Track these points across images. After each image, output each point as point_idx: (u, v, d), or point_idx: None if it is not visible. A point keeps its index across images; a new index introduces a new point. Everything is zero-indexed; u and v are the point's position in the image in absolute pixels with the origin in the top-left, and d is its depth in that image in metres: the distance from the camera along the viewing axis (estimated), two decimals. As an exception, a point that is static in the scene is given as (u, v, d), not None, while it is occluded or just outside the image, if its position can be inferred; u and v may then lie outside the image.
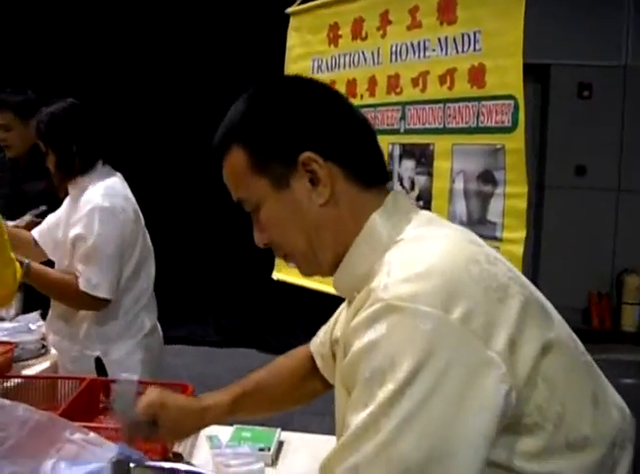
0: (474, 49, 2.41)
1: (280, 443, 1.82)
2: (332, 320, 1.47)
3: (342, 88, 2.91)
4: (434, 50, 2.59)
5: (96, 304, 2.36)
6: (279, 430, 1.85)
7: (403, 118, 2.78)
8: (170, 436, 1.52)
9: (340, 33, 3.12)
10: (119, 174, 2.53)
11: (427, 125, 2.65)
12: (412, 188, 2.70)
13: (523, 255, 2.27)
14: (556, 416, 0.99)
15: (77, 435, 1.41)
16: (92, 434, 1.42)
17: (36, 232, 2.62)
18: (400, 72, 2.78)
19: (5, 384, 2.06)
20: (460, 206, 2.46)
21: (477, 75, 2.40)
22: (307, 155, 1.08)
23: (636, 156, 4.08)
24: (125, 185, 2.52)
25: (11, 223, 2.99)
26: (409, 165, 2.74)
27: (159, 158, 5.66)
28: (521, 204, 2.26)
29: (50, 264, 2.55)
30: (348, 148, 1.11)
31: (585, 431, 1.01)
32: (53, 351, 2.57)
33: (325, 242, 1.11)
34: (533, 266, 4.19)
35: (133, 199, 2.51)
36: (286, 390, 1.56)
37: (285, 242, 1.13)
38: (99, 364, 2.40)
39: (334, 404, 1.20)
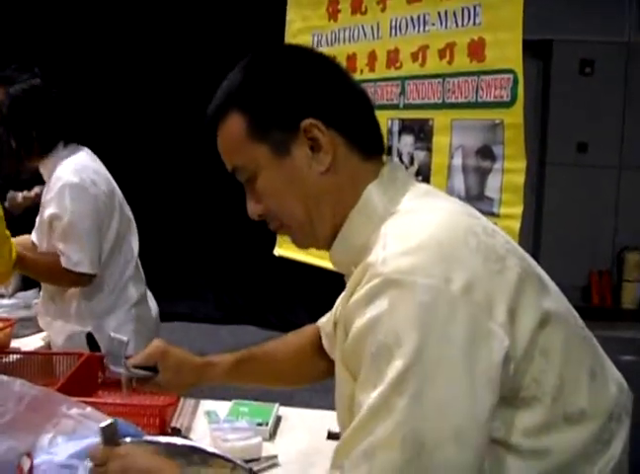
0: (474, 23, 2.38)
1: (279, 418, 1.83)
2: (339, 300, 1.46)
3: (342, 63, 2.87)
4: (433, 24, 2.56)
5: (81, 280, 2.37)
6: (277, 405, 1.85)
7: (402, 93, 2.75)
8: (167, 386, 1.49)
9: (339, 7, 3.08)
10: (86, 148, 2.51)
11: (426, 100, 2.63)
12: (411, 163, 2.69)
13: (521, 231, 2.27)
14: (554, 389, 0.99)
15: (74, 410, 1.40)
16: (89, 409, 1.41)
17: (33, 234, 2.61)
18: (400, 46, 2.75)
19: (3, 360, 2.07)
20: (459, 182, 2.45)
21: (477, 49, 2.38)
22: (309, 121, 1.06)
23: (638, 133, 4.06)
24: (95, 158, 2.51)
25: (21, 194, 2.99)
26: (408, 140, 2.72)
27: (158, 134, 5.64)
28: (519, 179, 2.25)
29: None
30: (348, 116, 1.10)
31: (582, 404, 1.01)
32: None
33: (323, 212, 1.10)
34: (534, 243, 4.18)
35: (105, 172, 2.50)
36: (293, 365, 1.54)
37: (282, 212, 1.11)
38: (91, 340, 2.41)
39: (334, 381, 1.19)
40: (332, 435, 1.68)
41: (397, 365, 0.90)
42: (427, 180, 2.58)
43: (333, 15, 3.12)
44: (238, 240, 5.49)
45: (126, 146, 5.43)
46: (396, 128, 2.81)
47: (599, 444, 1.02)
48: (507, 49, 2.27)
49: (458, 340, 0.91)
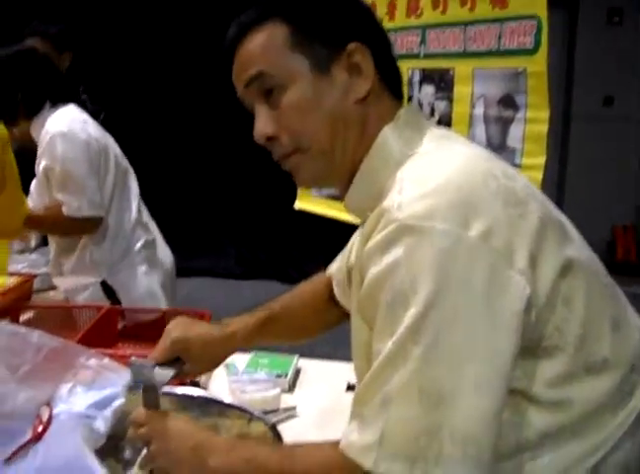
0: (496, -32, 2.32)
1: (298, 370, 1.82)
2: (349, 244, 1.43)
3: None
4: (454, -30, 2.49)
5: (88, 226, 2.38)
6: (296, 356, 1.85)
7: (423, 42, 2.69)
8: (194, 373, 1.43)
9: (358, -45, 3.01)
10: (73, 104, 2.49)
11: (447, 49, 2.57)
12: (432, 113, 2.64)
13: (544, 184, 2.23)
14: (577, 338, 0.97)
15: (92, 361, 1.40)
16: (107, 360, 1.41)
17: (30, 194, 2.61)
18: (420, -7, 2.69)
19: (25, 314, 2.08)
20: (480, 132, 2.41)
21: (499, -6, 2.32)
22: (357, 45, 1.04)
23: (666, 85, 3.97)
24: (82, 111, 2.49)
25: None
26: (429, 90, 2.68)
27: (180, 90, 5.59)
28: (542, 129, 2.20)
29: None
30: (385, 51, 1.08)
31: (605, 353, 0.99)
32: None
33: (348, 141, 1.06)
34: (557, 197, 4.14)
35: (93, 122, 2.49)
36: (309, 315, 1.51)
37: (306, 131, 1.05)
38: (106, 288, 2.43)
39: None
40: (351, 387, 1.68)
41: (413, 313, 0.88)
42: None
43: (351, -37, 3.04)
44: (259, 195, 5.48)
45: (145, 99, 5.41)
46: (417, 78, 2.76)
47: (620, 396, 0.99)
48: (531, -6, 2.21)
49: (477, 287, 0.88)
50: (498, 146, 2.36)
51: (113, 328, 1.97)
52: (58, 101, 2.44)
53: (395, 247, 0.91)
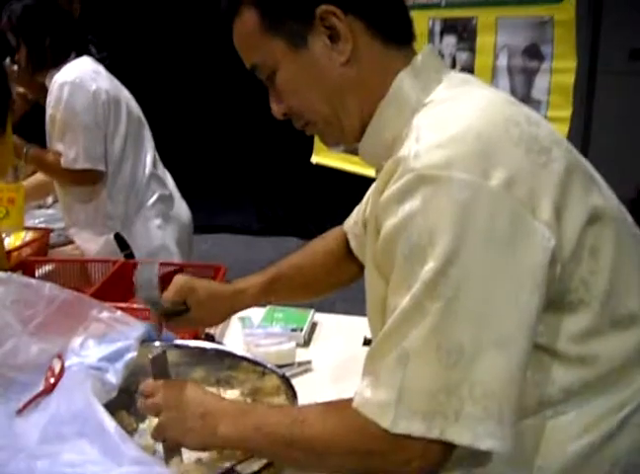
0: None
1: (314, 325, 1.80)
2: (365, 197, 1.39)
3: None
4: None
5: (85, 178, 2.36)
6: (312, 311, 1.82)
7: (444, -10, 2.62)
8: (201, 321, 1.43)
9: None
10: (91, 57, 2.46)
11: (469, -3, 2.50)
12: (453, 65, 2.57)
13: (569, 135, 2.17)
14: (603, 293, 0.93)
15: (104, 314, 1.39)
16: (119, 313, 1.40)
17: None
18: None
19: (40, 269, 2.07)
20: (504, 84, 2.35)
21: (525, -62, 2.24)
22: (325, 8, 0.99)
23: (697, 39, 3.85)
24: (97, 63, 2.46)
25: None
26: (450, 41, 2.60)
27: (200, 44, 5.51)
28: (569, 80, 2.14)
29: None
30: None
31: (632, 308, 0.96)
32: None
33: (349, 106, 1.03)
34: (582, 154, 4.06)
35: (107, 74, 2.45)
36: (322, 272, 1.47)
37: (306, 108, 1.05)
38: (119, 240, 2.42)
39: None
40: (368, 342, 1.65)
41: (431, 267, 0.84)
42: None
43: None
44: (277, 150, 5.42)
45: (161, 50, 5.36)
46: (437, 29, 2.68)
47: None
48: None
49: (499, 240, 0.84)
50: (522, 98, 2.29)
51: (127, 282, 1.95)
52: (83, 52, 2.41)
53: (412, 198, 0.87)
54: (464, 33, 2.54)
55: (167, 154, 2.67)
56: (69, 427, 1.12)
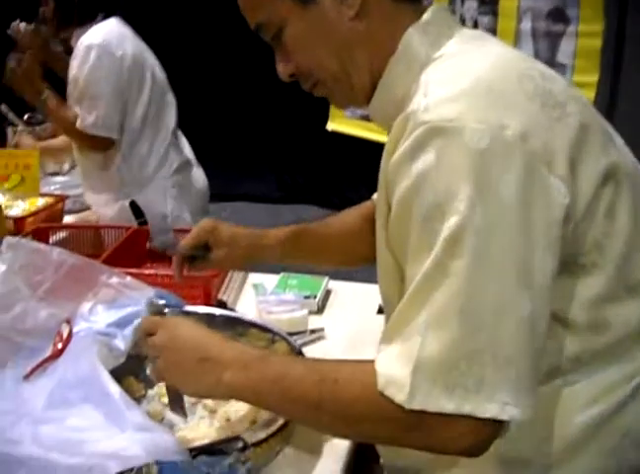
0: None
1: (328, 292, 1.77)
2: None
3: None
4: None
5: (96, 143, 2.35)
6: (326, 278, 1.79)
7: (467, -49, 2.55)
8: (220, 262, 1.39)
9: None
10: (118, 18, 2.43)
11: (492, -42, 2.43)
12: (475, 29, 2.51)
13: (595, 101, 2.10)
14: (619, 257, 0.89)
15: (114, 279, 1.37)
16: (129, 279, 1.38)
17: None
18: None
19: (55, 235, 2.06)
20: (527, 48, 2.29)
21: None
22: None
23: None
24: (126, 24, 2.43)
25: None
26: (472, 4, 2.54)
27: (216, 15, 5.46)
28: (596, 44, 2.07)
29: None
30: None
31: None
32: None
33: (358, 61, 0.99)
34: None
35: (134, 37, 2.42)
36: (347, 240, 1.42)
37: (314, 66, 1.01)
38: (134, 208, 2.41)
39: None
40: (382, 310, 1.62)
41: (451, 223, 0.79)
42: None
43: None
44: (296, 117, 5.36)
45: (179, 21, 5.31)
46: (459, -9, 2.62)
47: None
48: None
49: (516, 191, 0.80)
50: (547, 63, 2.18)
51: (140, 249, 1.94)
52: (111, 14, 2.39)
53: (424, 153, 0.83)
54: (486, -5, 2.48)
55: (185, 122, 2.64)
56: (75, 392, 1.10)
